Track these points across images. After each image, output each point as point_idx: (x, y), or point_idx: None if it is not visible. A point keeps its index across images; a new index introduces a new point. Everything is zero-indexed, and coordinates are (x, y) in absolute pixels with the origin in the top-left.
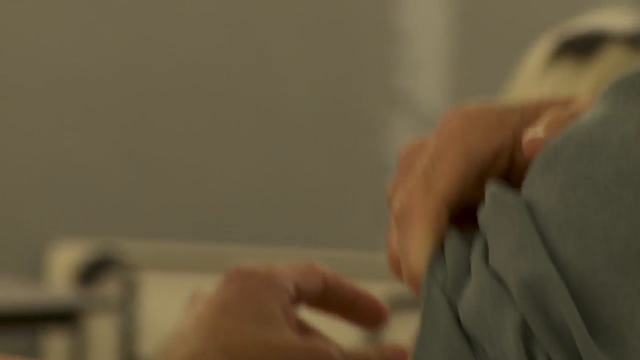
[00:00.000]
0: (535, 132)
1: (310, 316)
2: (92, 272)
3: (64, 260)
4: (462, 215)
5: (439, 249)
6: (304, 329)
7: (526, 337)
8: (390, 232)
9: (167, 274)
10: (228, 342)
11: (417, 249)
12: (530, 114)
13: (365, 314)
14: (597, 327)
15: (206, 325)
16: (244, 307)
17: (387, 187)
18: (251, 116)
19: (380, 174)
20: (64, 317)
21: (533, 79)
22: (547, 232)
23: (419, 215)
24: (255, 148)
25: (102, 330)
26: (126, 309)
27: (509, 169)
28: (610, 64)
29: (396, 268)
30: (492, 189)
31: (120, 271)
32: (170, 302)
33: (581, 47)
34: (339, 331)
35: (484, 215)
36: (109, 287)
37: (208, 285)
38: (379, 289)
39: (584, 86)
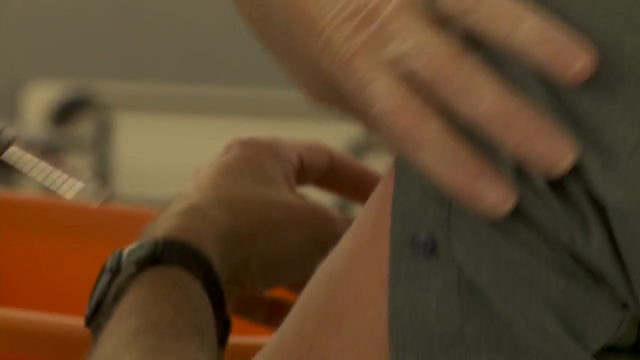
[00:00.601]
0: None
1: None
2: (67, 112)
3: (40, 100)
4: None
5: None
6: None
7: None
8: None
9: (142, 114)
10: (228, 195)
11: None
12: None
13: (370, 192)
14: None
15: (206, 182)
16: (244, 169)
17: None
18: None
19: None
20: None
21: None
22: None
23: None
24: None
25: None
26: (100, 147)
27: None
28: None
29: None
30: None
31: (95, 111)
32: (144, 142)
33: None
34: None
35: None
36: (84, 127)
37: (182, 125)
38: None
39: None
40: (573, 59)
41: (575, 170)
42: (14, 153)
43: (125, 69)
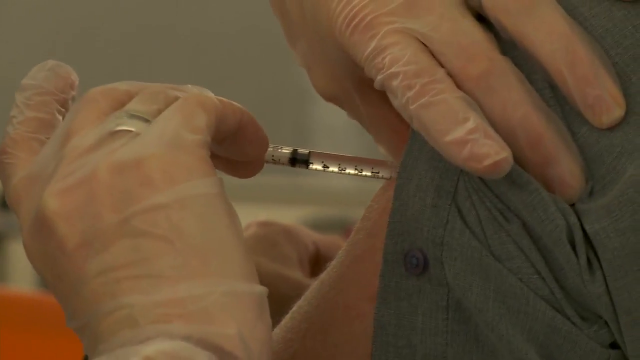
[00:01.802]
0: None
1: None
2: None
3: None
4: None
5: None
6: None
7: None
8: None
9: None
10: None
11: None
12: None
13: None
14: None
15: None
16: (258, 245)
17: None
18: (180, 43)
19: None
20: None
21: None
22: None
23: None
24: (185, 74)
25: (22, 255)
26: None
27: None
28: None
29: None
30: None
31: None
32: None
33: None
34: None
35: None
36: None
37: None
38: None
39: None
40: (608, 109)
41: (575, 210)
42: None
43: None
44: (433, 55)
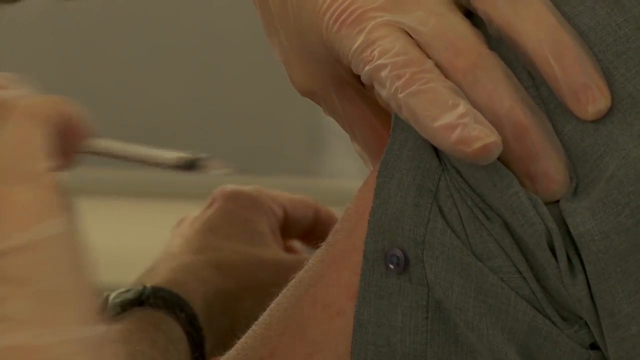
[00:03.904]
0: None
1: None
2: None
3: None
4: None
5: None
6: (290, 250)
7: None
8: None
9: (98, 199)
10: (217, 258)
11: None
12: None
13: None
14: None
15: (193, 242)
16: (231, 227)
17: None
18: (192, 45)
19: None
20: None
21: None
22: None
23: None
24: (197, 78)
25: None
26: None
27: None
28: None
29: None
30: None
31: None
32: (100, 228)
33: None
34: None
35: None
36: None
37: (141, 211)
38: None
39: None
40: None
41: (560, 210)
42: (99, 144)
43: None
44: (421, 48)
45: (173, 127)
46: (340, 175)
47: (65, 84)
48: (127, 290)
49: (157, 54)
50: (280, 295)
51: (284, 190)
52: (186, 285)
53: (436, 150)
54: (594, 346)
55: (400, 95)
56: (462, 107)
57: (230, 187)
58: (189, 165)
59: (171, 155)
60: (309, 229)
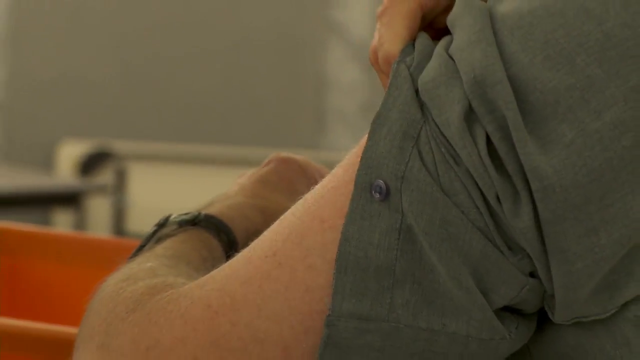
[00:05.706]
0: None
1: None
2: (92, 164)
3: (70, 154)
4: (434, 37)
5: (411, 44)
6: None
7: (468, 112)
8: (376, 31)
9: (151, 165)
10: (263, 204)
11: (394, 37)
12: None
13: None
14: (526, 109)
15: (246, 189)
16: (279, 183)
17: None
18: (219, 43)
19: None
20: (69, 199)
21: None
22: (499, 33)
23: (398, 13)
24: (223, 69)
25: (98, 210)
26: (118, 193)
27: None
28: None
29: (374, 58)
30: None
31: (114, 163)
32: (153, 188)
33: None
34: None
35: (452, 14)
36: (105, 176)
37: (184, 175)
38: None
39: None
40: None
41: (517, 148)
42: None
43: (138, 130)
44: None
45: (207, 109)
46: (341, 149)
47: (123, 82)
48: (186, 214)
49: (192, 54)
50: (288, 211)
51: None
52: (234, 219)
53: (421, 106)
54: (532, 275)
55: None
56: None
57: (284, 153)
58: None
59: None
60: None
